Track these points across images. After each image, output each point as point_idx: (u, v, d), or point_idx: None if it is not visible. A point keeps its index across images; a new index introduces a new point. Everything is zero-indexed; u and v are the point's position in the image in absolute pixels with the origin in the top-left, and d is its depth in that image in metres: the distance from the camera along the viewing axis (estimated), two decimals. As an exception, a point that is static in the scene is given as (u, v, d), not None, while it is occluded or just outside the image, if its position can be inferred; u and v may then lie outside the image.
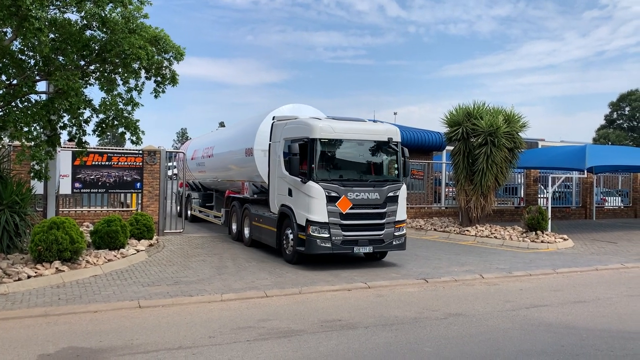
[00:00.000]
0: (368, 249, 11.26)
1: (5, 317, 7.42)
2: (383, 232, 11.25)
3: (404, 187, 11.75)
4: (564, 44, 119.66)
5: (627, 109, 65.78)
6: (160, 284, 9.45)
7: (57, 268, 9.68)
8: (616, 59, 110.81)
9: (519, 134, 17.84)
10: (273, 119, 12.89)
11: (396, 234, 11.44)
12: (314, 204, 10.80)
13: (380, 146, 11.69)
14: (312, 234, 10.79)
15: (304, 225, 10.91)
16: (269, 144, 12.78)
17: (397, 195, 11.47)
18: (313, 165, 10.93)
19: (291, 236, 11.44)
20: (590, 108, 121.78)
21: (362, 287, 9.79)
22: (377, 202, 11.19)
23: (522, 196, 24.18)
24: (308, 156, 11.01)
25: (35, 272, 9.36)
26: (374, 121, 13.62)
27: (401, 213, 11.57)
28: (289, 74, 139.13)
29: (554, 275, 11.44)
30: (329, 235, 10.80)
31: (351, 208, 10.93)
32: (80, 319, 7.47)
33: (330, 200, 10.81)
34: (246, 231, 14.32)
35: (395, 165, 11.82)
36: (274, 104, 14.57)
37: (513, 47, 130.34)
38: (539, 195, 24.15)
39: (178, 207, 20.14)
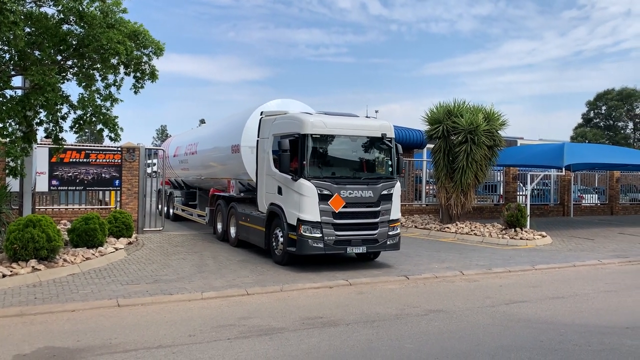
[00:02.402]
0: (362, 249, 10.89)
1: (-21, 317, 7.25)
2: (377, 231, 10.91)
3: (398, 184, 11.43)
4: (543, 43, 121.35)
5: (604, 108, 66.89)
6: (139, 283, 9.33)
7: (33, 267, 9.49)
8: (593, 58, 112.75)
9: (499, 132, 18.00)
10: (261, 114, 12.54)
11: (390, 233, 11.09)
12: (306, 202, 10.44)
13: (374, 142, 11.35)
14: (303, 233, 10.39)
15: (295, 224, 10.51)
16: (257, 140, 12.45)
17: (392, 194, 11.13)
18: (304, 162, 10.53)
19: (281, 236, 11.07)
20: (568, 107, 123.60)
21: (343, 284, 9.79)
22: (371, 201, 10.86)
23: (502, 193, 24.46)
24: (299, 153, 10.62)
25: (11, 271, 9.16)
26: (367, 117, 13.42)
27: (395, 212, 11.25)
28: (271, 71, 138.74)
29: (533, 272, 11.57)
30: (321, 235, 10.42)
31: (344, 207, 10.56)
32: (57, 318, 7.33)
33: (323, 198, 10.44)
34: (232, 231, 14.03)
35: (389, 162, 11.43)
36: (256, 101, 14.35)
37: (493, 46, 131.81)
38: (518, 193, 24.45)
39: (159, 205, 19.88)
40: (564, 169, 18.01)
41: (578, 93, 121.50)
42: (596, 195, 28.71)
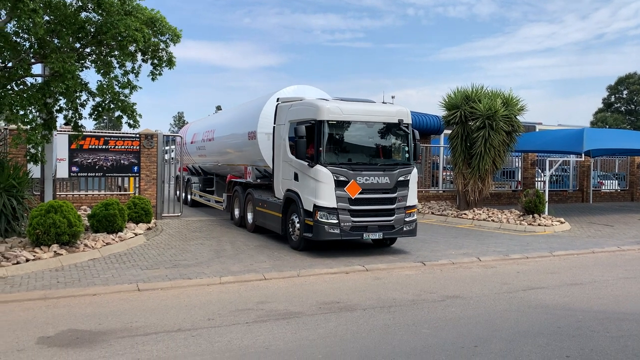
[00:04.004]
0: (378, 236, 10.95)
1: (4, 300, 7.44)
2: (393, 217, 10.94)
3: (414, 171, 11.41)
4: (563, 26, 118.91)
5: (625, 92, 65.65)
6: (158, 267, 9.48)
7: (55, 251, 9.69)
8: (615, 42, 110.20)
9: (517, 117, 17.81)
10: (277, 100, 12.57)
11: (407, 219, 11.11)
12: (322, 188, 10.49)
13: (391, 128, 11.31)
14: (319, 219, 10.46)
15: (312, 210, 10.58)
16: (273, 127, 12.50)
17: (408, 180, 11.13)
18: (320, 149, 10.57)
19: (297, 222, 11.17)
20: (588, 91, 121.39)
21: (360, 270, 9.83)
22: (388, 187, 10.87)
23: (520, 180, 24.23)
24: (315, 139, 10.66)
25: (34, 256, 9.37)
26: (383, 102, 13.33)
27: (412, 198, 11.26)
28: (287, 57, 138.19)
29: (551, 258, 11.50)
30: (337, 221, 10.47)
31: (360, 193, 10.59)
32: (80, 302, 7.49)
33: (339, 184, 10.48)
34: (249, 216, 14.15)
35: (406, 148, 11.39)
36: (271, 88, 14.39)
37: (512, 30, 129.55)
38: (536, 179, 24.20)
39: (178, 192, 20.08)
40: (583, 154, 17.79)
41: (599, 77, 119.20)
42: (616, 181, 28.28)
